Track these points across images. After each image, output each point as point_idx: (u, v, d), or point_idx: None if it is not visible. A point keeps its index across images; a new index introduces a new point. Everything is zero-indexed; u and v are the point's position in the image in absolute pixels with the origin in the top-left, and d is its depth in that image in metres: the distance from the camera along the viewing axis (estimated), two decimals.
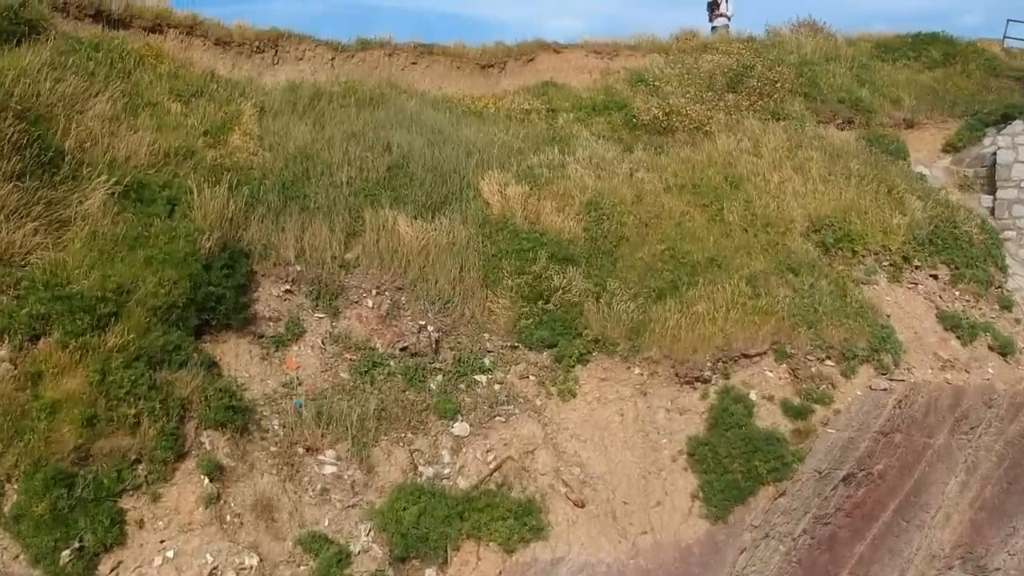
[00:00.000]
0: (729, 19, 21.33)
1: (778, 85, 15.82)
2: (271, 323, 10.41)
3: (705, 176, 12.81)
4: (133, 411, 8.27)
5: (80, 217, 9.71)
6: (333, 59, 16.21)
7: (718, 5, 21.17)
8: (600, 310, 10.57)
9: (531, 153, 13.54)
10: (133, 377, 8.48)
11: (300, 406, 9.67)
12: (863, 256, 11.71)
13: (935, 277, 12.08)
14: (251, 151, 12.27)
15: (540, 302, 10.69)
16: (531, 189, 12.24)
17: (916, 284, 11.77)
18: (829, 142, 14.14)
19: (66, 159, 10.25)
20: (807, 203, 12.35)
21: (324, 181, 11.99)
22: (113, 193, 10.13)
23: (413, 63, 16.70)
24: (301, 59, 15.99)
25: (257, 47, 15.50)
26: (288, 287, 10.71)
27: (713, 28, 21.24)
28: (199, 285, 9.57)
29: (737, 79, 16.00)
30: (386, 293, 11.02)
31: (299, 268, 10.88)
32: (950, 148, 16.49)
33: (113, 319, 8.85)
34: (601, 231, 11.75)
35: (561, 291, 10.72)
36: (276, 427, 9.38)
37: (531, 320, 10.58)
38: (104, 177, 10.23)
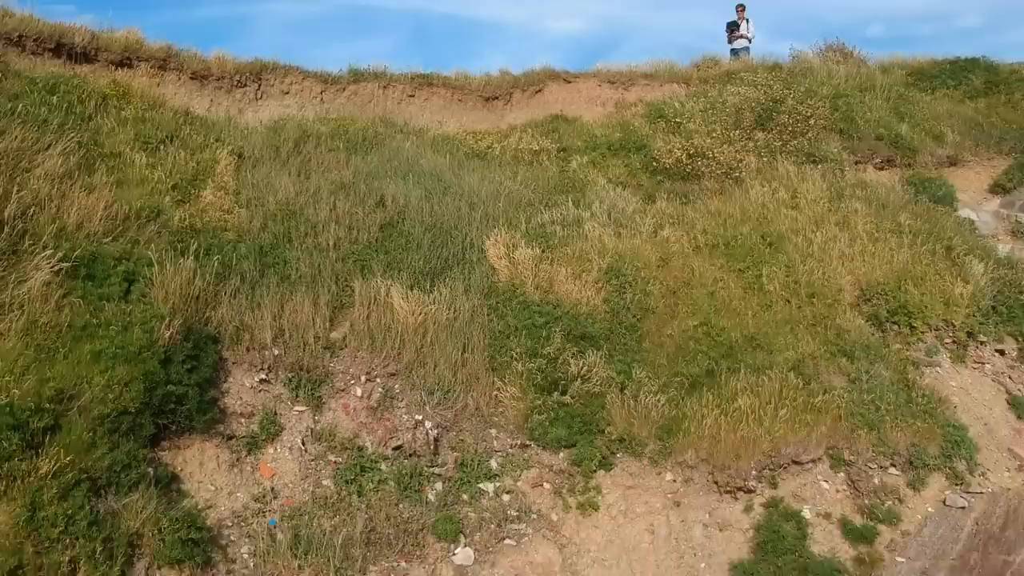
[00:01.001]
0: (750, 41, 19.95)
1: (811, 122, 14.37)
2: (243, 420, 8.95)
3: (739, 234, 11.36)
4: (68, 556, 6.80)
5: (17, 304, 8.23)
6: (322, 92, 14.77)
7: (737, 26, 19.76)
8: (625, 403, 9.12)
9: (542, 205, 12.11)
10: (70, 511, 7.01)
11: (274, 526, 8.23)
12: (922, 332, 10.26)
13: (1001, 352, 10.64)
14: (225, 208, 10.81)
15: (556, 393, 9.22)
16: (543, 252, 10.80)
17: (982, 363, 10.33)
18: (873, 191, 12.69)
19: (4, 231, 8.82)
20: (856, 267, 10.90)
21: (308, 244, 10.55)
22: (59, 271, 8.68)
23: (411, 96, 15.26)
24: (287, 93, 14.55)
25: (238, 81, 14.06)
26: (264, 375, 9.26)
27: (733, 51, 19.86)
28: (156, 385, 8.10)
29: (766, 115, 14.55)
30: (377, 380, 9.56)
31: (277, 352, 9.42)
32: (999, 189, 15.08)
33: (50, 435, 7.42)
34: (623, 302, 10.30)
35: (580, 379, 9.27)
36: (245, 556, 7.92)
37: (545, 415, 9.12)
38: (49, 251, 8.75)
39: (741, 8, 19.90)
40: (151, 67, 13.43)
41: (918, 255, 11.07)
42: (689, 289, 10.56)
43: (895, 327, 10.33)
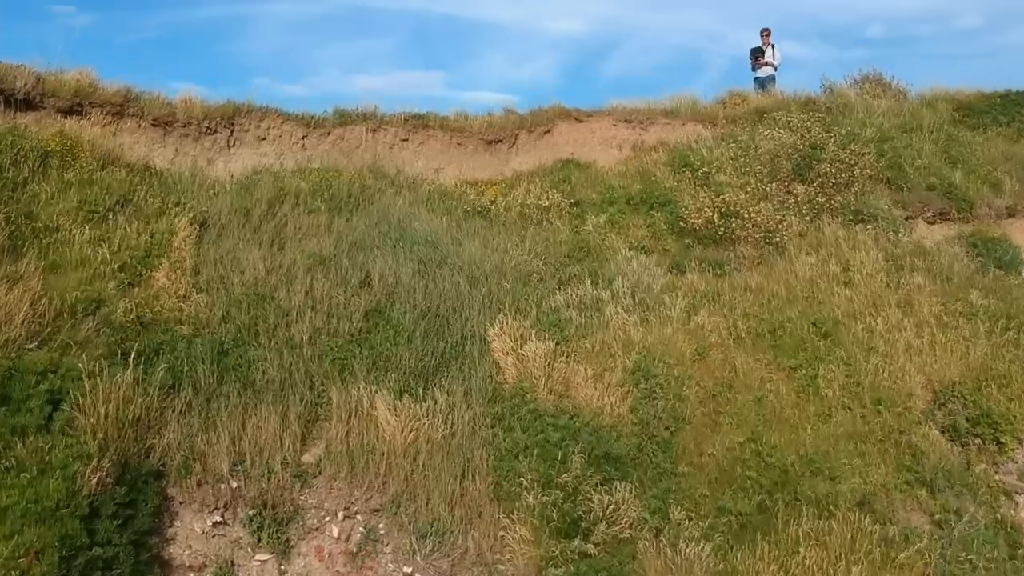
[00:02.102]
0: (776, 68, 18.30)
1: (856, 171, 12.70)
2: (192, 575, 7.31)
3: (786, 319, 9.68)
4: None
5: None
6: (304, 138, 13.08)
7: (762, 52, 18.10)
8: (662, 553, 7.42)
9: (554, 280, 10.44)
10: None
11: None
12: (1012, 450, 8.58)
13: None
14: (181, 294, 9.14)
15: (576, 539, 7.54)
16: (557, 345, 9.12)
17: None
18: (935, 259, 11.02)
19: None
20: (926, 363, 9.23)
21: (278, 338, 8.87)
22: None
23: (404, 140, 13.57)
24: (264, 139, 12.86)
25: (207, 127, 12.36)
26: (219, 517, 7.57)
27: (757, 79, 18.22)
28: (77, 551, 6.43)
29: (805, 163, 12.88)
30: (358, 516, 7.88)
31: (235, 484, 7.74)
32: None
33: None
34: (654, 411, 8.62)
35: (605, 521, 7.59)
36: None
37: (563, 568, 7.42)
38: None
39: (766, 33, 18.26)
40: (106, 113, 11.74)
41: (998, 347, 9.40)
42: (731, 393, 8.88)
43: (978, 441, 8.65)
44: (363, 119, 13.39)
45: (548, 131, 14.39)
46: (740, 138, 13.61)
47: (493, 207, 12.17)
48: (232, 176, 11.88)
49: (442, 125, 13.71)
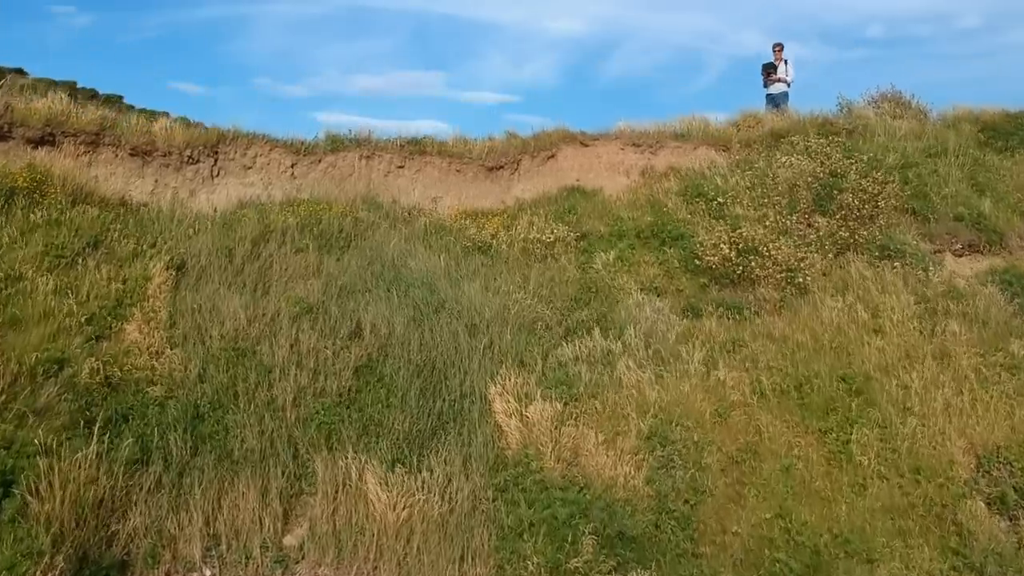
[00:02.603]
0: (788, 85, 17.51)
1: (881, 203, 11.91)
2: None
3: (813, 373, 8.91)
4: None
5: None
6: (293, 166, 12.29)
7: (774, 68, 17.30)
8: None
9: (560, 327, 9.67)
10: None
11: None
12: None
13: None
14: (154, 350, 8.38)
15: None
16: (565, 405, 8.35)
17: None
18: (969, 302, 10.23)
19: None
20: (967, 425, 8.46)
21: (259, 400, 8.11)
22: None
23: (399, 167, 12.79)
24: (251, 167, 12.08)
25: (190, 156, 11.58)
26: None
27: (769, 96, 17.42)
28: None
29: (826, 193, 12.11)
30: None
31: (209, 573, 6.99)
32: None
33: None
34: (672, 482, 7.85)
35: None
36: None
37: None
38: None
39: (778, 48, 17.46)
40: (80, 143, 10.97)
41: None
42: (756, 460, 8.11)
43: None
44: (356, 145, 12.61)
45: (552, 156, 13.62)
46: (756, 165, 12.83)
47: (494, 242, 11.39)
48: (215, 209, 11.12)
49: (440, 151, 12.93)
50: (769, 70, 17.38)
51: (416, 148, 12.85)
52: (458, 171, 12.96)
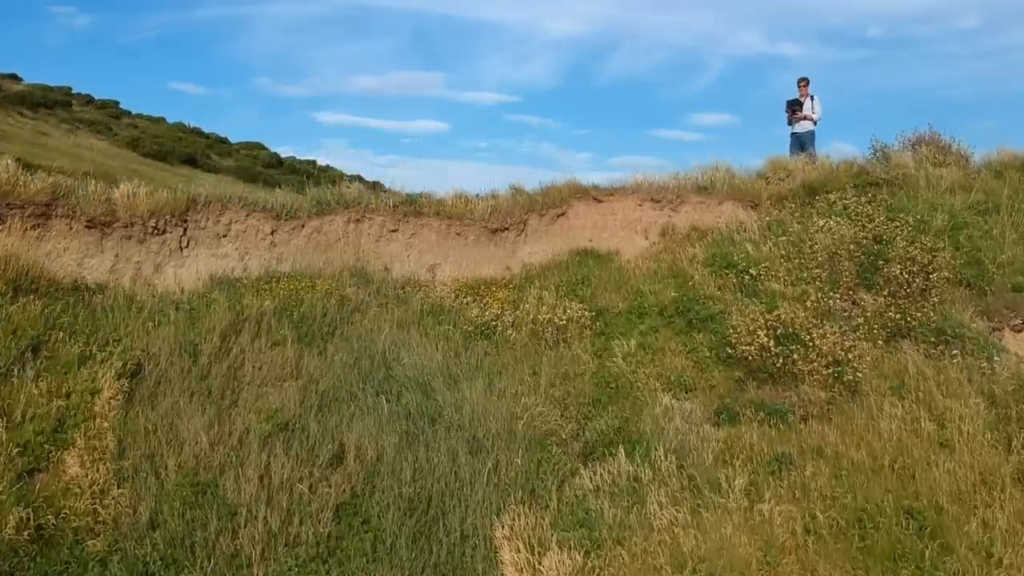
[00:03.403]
0: (815, 123, 16.24)
1: (932, 275, 10.60)
2: None
3: (874, 505, 7.59)
4: None
5: None
6: (273, 232, 10.98)
7: (800, 105, 16.03)
8: None
9: (577, 440, 8.35)
10: None
11: None
12: None
13: None
14: (98, 487, 7.06)
15: None
16: (585, 556, 7.02)
17: None
18: None
19: None
20: None
21: (221, 553, 6.78)
22: None
23: (393, 230, 11.47)
24: (225, 236, 10.76)
25: (155, 227, 10.26)
26: None
27: (794, 135, 16.18)
28: None
29: (871, 262, 10.81)
30: None
31: None
32: None
33: None
34: None
35: None
36: None
37: None
38: None
39: (804, 83, 16.18)
40: (29, 216, 9.66)
41: None
42: None
43: None
44: (344, 208, 11.30)
45: (562, 213, 12.30)
46: (791, 228, 11.51)
47: (499, 324, 10.07)
48: (182, 289, 9.81)
49: (438, 211, 11.62)
50: (794, 107, 16.12)
51: (411, 209, 11.54)
52: (458, 234, 11.64)
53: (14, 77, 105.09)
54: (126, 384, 7.96)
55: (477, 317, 10.08)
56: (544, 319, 10.07)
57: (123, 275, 9.89)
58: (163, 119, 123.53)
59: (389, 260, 11.21)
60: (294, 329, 9.26)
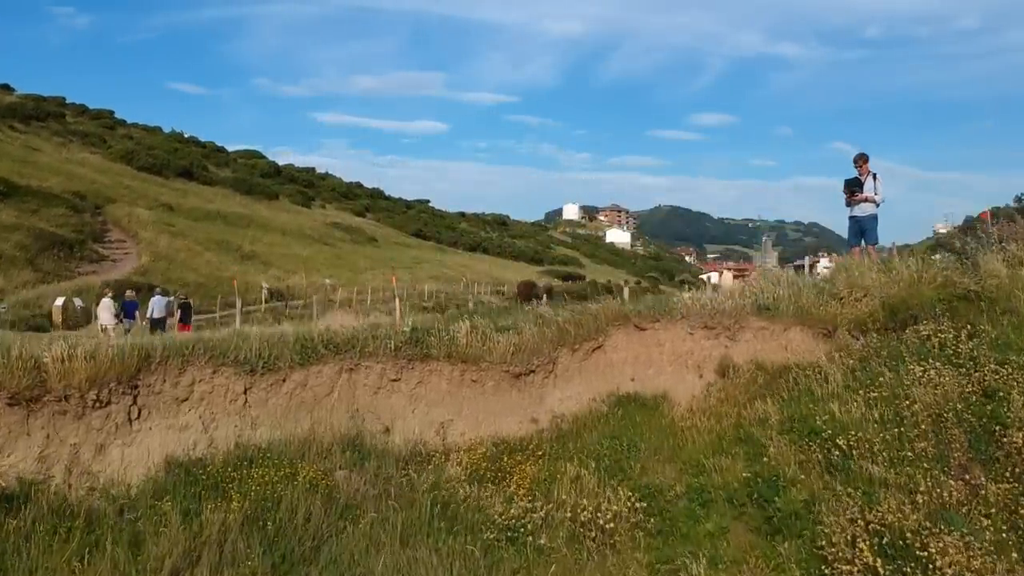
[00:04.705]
0: (877, 205, 14.24)
1: None
2: None
3: None
4: None
5: None
6: (247, 392, 8.90)
7: (860, 185, 14.01)
8: None
9: None
10: None
11: None
12: None
13: None
14: None
15: None
16: None
17: None
18: None
19: None
20: None
21: None
22: None
23: (394, 380, 9.41)
24: (186, 400, 8.68)
25: (97, 399, 8.17)
26: None
27: (853, 219, 14.23)
28: None
29: (984, 427, 8.72)
30: None
31: None
32: None
33: None
34: None
35: None
36: None
37: None
38: None
39: (862, 160, 14.17)
40: None
41: None
42: None
43: None
44: (334, 354, 9.23)
45: (599, 346, 10.23)
46: (881, 377, 9.42)
47: (529, 522, 7.99)
48: (128, 485, 7.72)
49: (450, 353, 9.55)
50: (853, 188, 14.09)
51: (416, 352, 9.46)
52: (474, 381, 9.57)
53: (6, 88, 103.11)
54: None
55: (501, 515, 7.99)
56: (584, 518, 7.98)
57: (55, 463, 7.83)
58: (159, 129, 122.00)
59: (390, 418, 9.14)
60: (267, 552, 7.18)
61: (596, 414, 9.57)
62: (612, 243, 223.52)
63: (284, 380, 9.00)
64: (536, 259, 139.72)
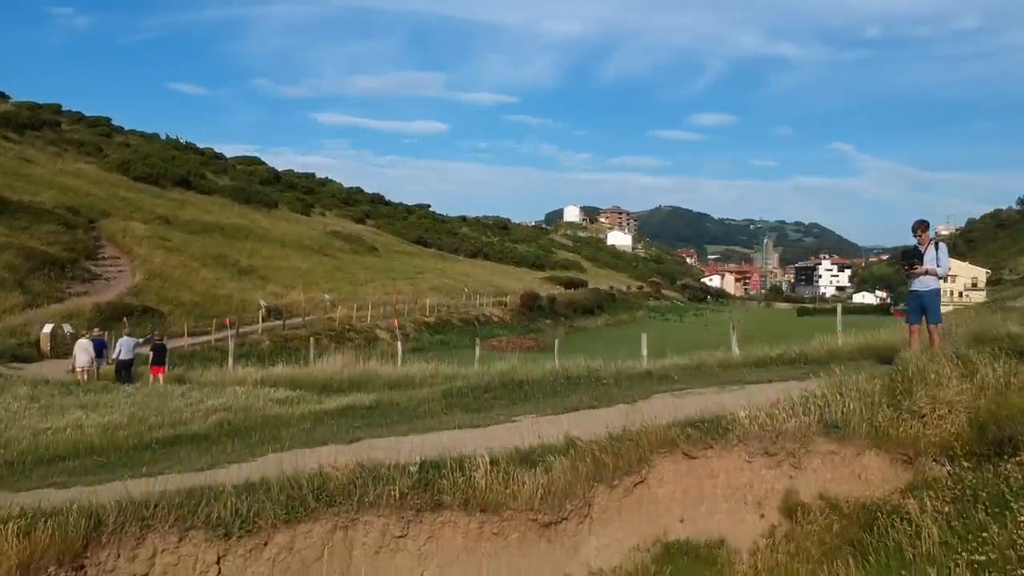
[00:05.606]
0: (941, 279, 12.71)
1: None
2: None
3: None
4: None
5: None
6: (220, 561, 7.29)
7: (920, 256, 12.51)
8: None
9: None
10: None
11: None
12: None
13: None
14: None
15: None
16: None
17: None
18: None
19: None
20: None
21: None
22: None
23: (399, 536, 7.80)
24: (146, 575, 7.08)
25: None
26: None
27: (913, 293, 12.73)
28: None
29: None
30: None
31: None
32: None
33: None
34: None
35: None
36: None
37: None
38: None
39: (922, 228, 12.65)
40: None
41: None
42: None
43: None
44: (327, 507, 7.62)
45: (641, 480, 8.63)
46: (985, 533, 7.82)
47: None
48: None
49: (466, 500, 7.94)
50: (913, 260, 12.55)
51: (426, 501, 7.86)
52: (495, 534, 7.97)
53: (2, 96, 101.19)
54: None
55: None
56: None
57: None
58: (156, 136, 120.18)
59: None
60: None
61: (640, 569, 7.99)
62: (613, 246, 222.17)
63: (266, 544, 7.40)
64: (538, 264, 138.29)
